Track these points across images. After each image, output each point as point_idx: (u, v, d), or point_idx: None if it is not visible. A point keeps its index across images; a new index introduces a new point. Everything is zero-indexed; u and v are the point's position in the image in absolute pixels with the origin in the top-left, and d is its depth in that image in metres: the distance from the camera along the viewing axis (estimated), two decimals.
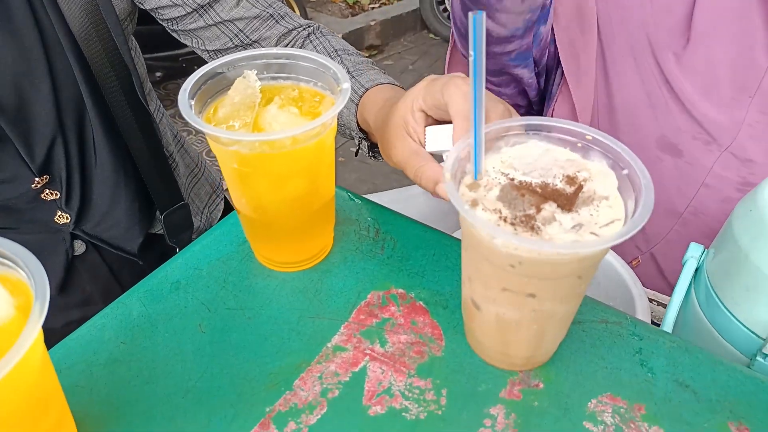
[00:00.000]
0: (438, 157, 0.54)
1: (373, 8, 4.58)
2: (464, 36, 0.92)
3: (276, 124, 0.52)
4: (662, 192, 0.94)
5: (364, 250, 0.63)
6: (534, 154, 0.46)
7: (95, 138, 0.79)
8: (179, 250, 0.77)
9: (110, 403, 0.50)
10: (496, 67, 0.94)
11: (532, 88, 1.02)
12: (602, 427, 0.47)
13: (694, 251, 0.71)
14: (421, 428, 0.47)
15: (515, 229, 0.41)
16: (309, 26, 0.79)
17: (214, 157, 0.54)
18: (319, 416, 0.48)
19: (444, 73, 0.62)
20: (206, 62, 0.74)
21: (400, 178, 2.90)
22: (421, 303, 0.57)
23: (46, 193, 0.78)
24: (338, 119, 0.70)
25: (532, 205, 0.42)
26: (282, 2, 0.79)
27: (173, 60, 3.18)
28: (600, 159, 0.45)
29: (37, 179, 0.76)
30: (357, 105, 0.69)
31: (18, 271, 0.37)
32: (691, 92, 0.89)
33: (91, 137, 0.79)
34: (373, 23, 4.25)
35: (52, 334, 0.49)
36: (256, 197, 0.55)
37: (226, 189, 1.11)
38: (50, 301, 0.35)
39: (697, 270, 0.71)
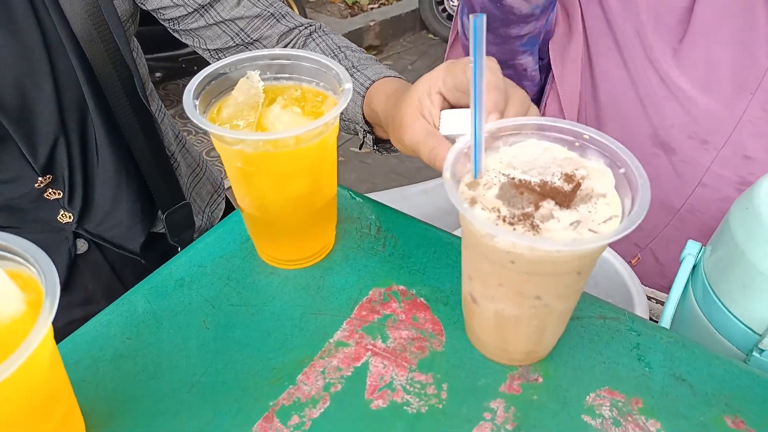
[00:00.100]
0: (452, 141, 0.54)
1: (372, 9, 4.58)
2: (487, 23, 0.93)
3: (279, 123, 0.53)
4: (657, 187, 0.95)
5: (366, 247, 0.64)
6: (533, 153, 0.47)
7: (97, 138, 0.79)
8: (181, 250, 0.77)
9: (116, 397, 0.50)
10: (504, 57, 0.94)
11: (534, 83, 1.03)
12: (600, 420, 0.48)
13: (692, 248, 0.72)
14: (422, 422, 0.48)
15: (514, 228, 0.41)
16: (310, 25, 0.79)
17: (215, 156, 0.55)
18: (321, 410, 0.49)
19: None
20: (207, 62, 0.75)
21: (400, 178, 2.91)
22: (422, 299, 0.58)
23: (49, 193, 0.79)
24: (342, 115, 0.71)
25: (530, 203, 0.43)
26: (282, 2, 0.80)
27: (173, 60, 3.18)
28: (597, 157, 0.46)
29: (40, 179, 0.77)
30: (363, 97, 0.69)
31: (29, 268, 0.38)
32: (688, 88, 0.89)
33: (93, 137, 0.79)
34: (372, 23, 4.26)
35: (55, 333, 0.50)
36: (259, 196, 0.56)
37: (227, 188, 1.12)
38: None
39: (694, 267, 0.72)
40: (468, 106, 0.51)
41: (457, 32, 1.01)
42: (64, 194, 0.80)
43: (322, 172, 0.56)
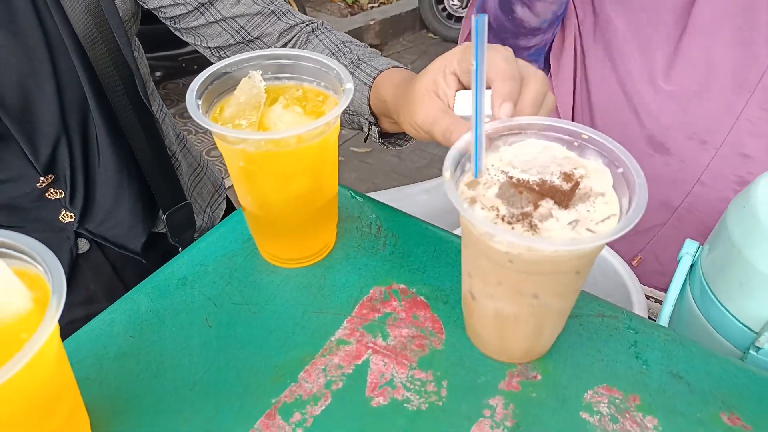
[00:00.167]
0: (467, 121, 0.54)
1: (372, 8, 4.59)
2: (497, 33, 0.94)
3: (281, 123, 0.54)
4: (656, 187, 0.96)
5: (366, 246, 0.64)
6: (532, 152, 0.47)
7: (99, 138, 0.79)
8: (182, 250, 0.78)
9: (120, 395, 0.51)
10: None
11: None
12: (598, 417, 0.49)
13: (689, 248, 0.72)
14: (422, 419, 0.49)
15: (513, 227, 0.42)
16: (312, 22, 0.79)
17: (215, 156, 0.55)
18: (323, 407, 0.50)
19: None
20: (207, 61, 0.75)
21: (401, 178, 2.91)
22: (422, 298, 0.59)
23: (51, 192, 0.79)
24: (347, 108, 0.71)
25: (529, 202, 0.43)
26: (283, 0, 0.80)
27: (173, 60, 3.18)
28: (596, 157, 0.46)
29: (41, 178, 0.77)
30: (370, 87, 0.69)
31: (36, 266, 0.39)
32: (687, 88, 0.90)
33: (94, 137, 0.80)
34: (372, 23, 4.26)
35: None
36: (261, 195, 0.56)
37: (228, 187, 1.13)
38: None
39: (692, 266, 0.72)
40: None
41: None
42: (65, 194, 0.80)
43: (323, 172, 0.56)
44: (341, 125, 0.77)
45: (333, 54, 0.74)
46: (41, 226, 0.82)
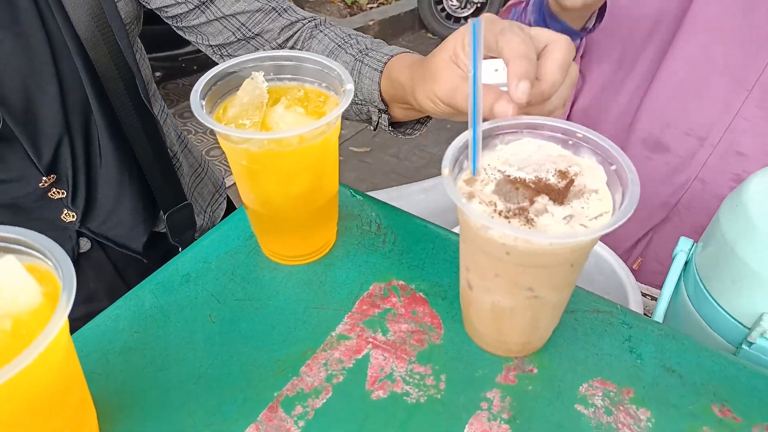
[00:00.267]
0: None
1: (371, 8, 4.60)
2: None
3: (283, 123, 0.55)
4: (653, 184, 0.97)
5: (366, 244, 0.65)
6: (528, 151, 0.49)
7: (100, 139, 0.80)
8: (182, 250, 0.78)
9: (125, 388, 0.52)
10: None
11: None
12: (593, 409, 0.50)
13: (684, 245, 0.74)
14: (421, 411, 0.50)
15: (509, 221, 0.43)
16: (315, 19, 0.79)
17: (214, 156, 0.56)
18: (324, 400, 0.51)
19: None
20: (206, 61, 0.75)
21: (399, 177, 2.92)
22: (421, 294, 0.60)
23: (53, 192, 0.80)
24: (357, 96, 0.71)
25: (525, 198, 0.44)
26: None
27: (173, 60, 3.19)
28: (590, 155, 0.48)
29: (44, 178, 0.78)
30: (381, 73, 0.69)
31: (46, 262, 0.40)
32: (686, 84, 0.91)
33: (96, 139, 0.80)
34: (371, 23, 4.28)
35: None
36: (264, 193, 0.57)
37: (229, 187, 1.14)
38: None
39: (686, 263, 0.73)
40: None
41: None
42: (67, 194, 0.81)
43: (324, 171, 0.58)
44: (348, 118, 0.77)
45: (340, 46, 0.74)
46: (43, 226, 0.82)
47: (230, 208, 1.10)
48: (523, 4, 0.95)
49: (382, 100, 0.70)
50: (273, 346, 0.55)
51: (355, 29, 0.84)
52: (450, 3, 4.44)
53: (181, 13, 0.76)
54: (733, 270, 0.62)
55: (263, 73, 0.57)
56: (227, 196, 1.11)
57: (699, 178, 0.94)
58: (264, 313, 0.58)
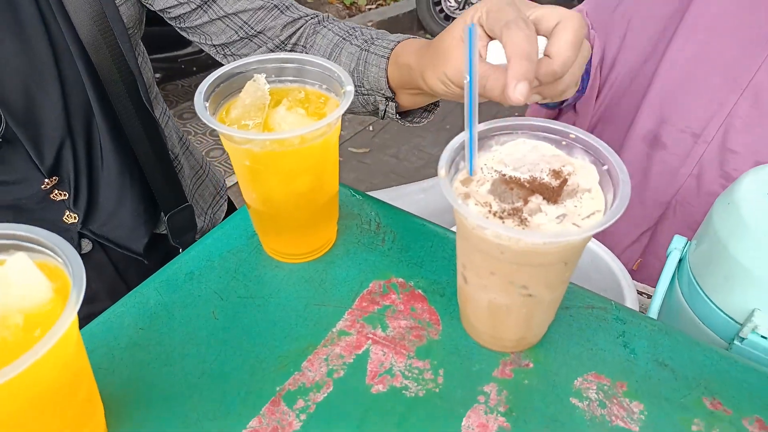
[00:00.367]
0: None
1: (370, 9, 4.61)
2: None
3: (285, 124, 0.56)
4: (650, 180, 0.99)
5: (366, 242, 0.67)
6: (523, 151, 0.50)
7: (102, 142, 0.81)
8: (182, 251, 0.79)
9: (131, 383, 0.53)
10: None
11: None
12: (587, 402, 0.51)
13: (678, 243, 0.75)
14: (419, 405, 0.51)
15: (503, 221, 0.45)
16: (317, 15, 0.79)
17: (214, 157, 0.57)
18: (325, 394, 0.52)
19: None
20: (206, 63, 0.76)
21: (398, 178, 2.94)
22: (420, 291, 0.61)
23: (55, 194, 0.81)
24: (364, 86, 0.71)
25: (520, 198, 0.46)
26: None
27: (172, 61, 3.20)
28: (583, 155, 0.49)
29: (46, 180, 0.79)
30: (388, 59, 0.69)
31: (56, 259, 0.41)
32: (682, 81, 0.92)
33: (98, 141, 0.81)
34: (369, 24, 4.29)
35: None
36: (266, 192, 0.59)
37: (229, 187, 1.15)
38: None
39: (681, 261, 0.75)
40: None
41: None
42: (69, 195, 0.82)
43: (324, 170, 0.59)
44: (354, 112, 0.77)
45: (344, 39, 0.74)
46: (45, 227, 0.82)
47: (231, 209, 1.11)
48: None
49: (390, 88, 0.70)
50: (275, 342, 0.56)
51: None
52: (448, 4, 4.46)
53: (184, 14, 0.76)
54: (725, 267, 0.64)
55: (265, 75, 0.58)
56: (228, 197, 1.11)
57: (693, 174, 0.95)
58: (266, 310, 0.59)
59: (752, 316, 0.61)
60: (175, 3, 0.75)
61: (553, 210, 0.45)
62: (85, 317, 0.59)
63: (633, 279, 0.83)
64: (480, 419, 0.50)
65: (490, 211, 0.45)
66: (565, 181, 0.47)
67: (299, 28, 0.77)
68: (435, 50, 0.58)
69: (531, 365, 0.54)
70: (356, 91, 0.73)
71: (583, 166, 0.48)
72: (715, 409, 0.51)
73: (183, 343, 0.56)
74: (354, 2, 4.72)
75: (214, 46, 0.79)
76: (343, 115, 0.54)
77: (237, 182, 0.60)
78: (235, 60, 0.78)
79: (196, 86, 0.55)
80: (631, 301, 0.81)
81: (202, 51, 3.07)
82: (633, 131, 0.98)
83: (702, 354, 0.55)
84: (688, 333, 0.58)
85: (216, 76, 0.56)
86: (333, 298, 0.60)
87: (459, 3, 4.43)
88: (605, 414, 0.50)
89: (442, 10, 4.46)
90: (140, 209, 0.88)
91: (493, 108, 2.95)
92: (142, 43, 0.88)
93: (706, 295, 0.67)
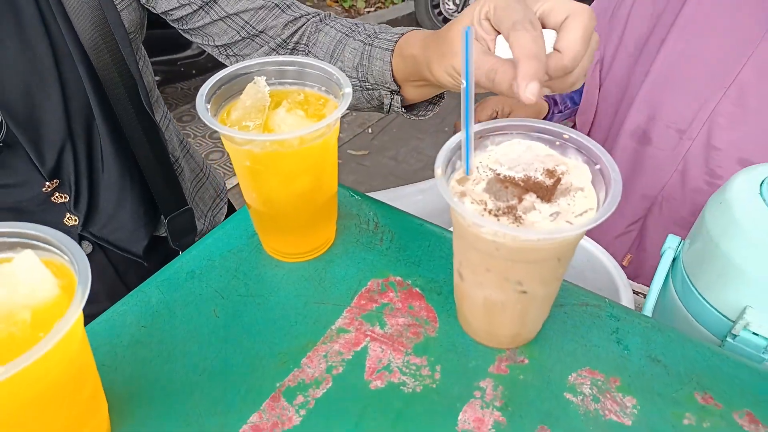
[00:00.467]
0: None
1: (368, 12, 4.63)
2: None
3: (284, 125, 0.57)
4: (637, 176, 1.00)
5: (365, 241, 0.68)
6: (517, 151, 0.51)
7: (103, 145, 0.81)
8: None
9: (134, 380, 0.54)
10: None
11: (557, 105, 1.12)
12: (581, 397, 0.52)
13: (672, 242, 0.76)
14: (417, 400, 0.52)
15: (498, 219, 0.46)
16: (319, 14, 0.79)
17: (213, 160, 0.58)
18: (324, 390, 0.53)
19: None
20: (205, 66, 0.77)
21: (397, 180, 2.95)
22: (417, 289, 0.62)
23: (56, 197, 0.81)
24: (368, 81, 0.72)
25: (514, 197, 0.47)
26: None
27: (172, 64, 3.21)
28: (576, 155, 0.50)
29: (47, 183, 0.79)
30: (392, 52, 0.69)
31: (62, 256, 0.42)
32: (670, 80, 0.94)
33: (98, 144, 0.82)
34: None
35: None
36: (266, 193, 0.60)
37: (229, 190, 1.15)
38: None
39: (674, 260, 0.76)
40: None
41: None
42: (70, 198, 0.82)
43: (324, 171, 0.60)
44: (359, 108, 0.77)
45: (347, 35, 0.74)
46: None
47: (231, 211, 1.11)
48: None
49: (395, 81, 0.70)
50: (275, 340, 0.57)
51: None
52: (447, 6, 4.48)
53: (186, 15, 0.77)
54: (718, 265, 0.65)
55: (265, 78, 0.59)
56: (228, 200, 1.12)
57: (678, 170, 0.97)
58: (266, 308, 0.60)
59: (744, 314, 0.62)
60: (177, 5, 0.76)
61: (547, 208, 0.46)
62: (85, 318, 0.60)
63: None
64: (476, 414, 0.51)
65: (485, 209, 0.46)
66: (558, 180, 0.48)
67: (301, 27, 0.78)
68: (442, 42, 0.58)
69: (526, 361, 0.55)
70: (361, 86, 0.74)
71: (576, 165, 0.49)
72: (706, 403, 0.52)
73: (184, 340, 0.57)
74: (353, 5, 4.74)
75: (216, 46, 0.80)
76: (344, 115, 0.55)
77: (237, 184, 0.61)
78: (237, 60, 0.79)
79: (196, 89, 0.56)
80: (627, 300, 0.82)
81: (201, 54, 3.08)
82: (623, 127, 1.00)
83: (694, 350, 0.56)
84: (682, 330, 0.59)
85: (217, 79, 0.57)
86: (332, 296, 0.61)
87: (458, 5, 4.45)
88: (599, 408, 0.51)
89: (440, 13, 4.47)
90: (140, 212, 0.89)
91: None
92: (143, 47, 0.88)
93: (699, 293, 0.68)
